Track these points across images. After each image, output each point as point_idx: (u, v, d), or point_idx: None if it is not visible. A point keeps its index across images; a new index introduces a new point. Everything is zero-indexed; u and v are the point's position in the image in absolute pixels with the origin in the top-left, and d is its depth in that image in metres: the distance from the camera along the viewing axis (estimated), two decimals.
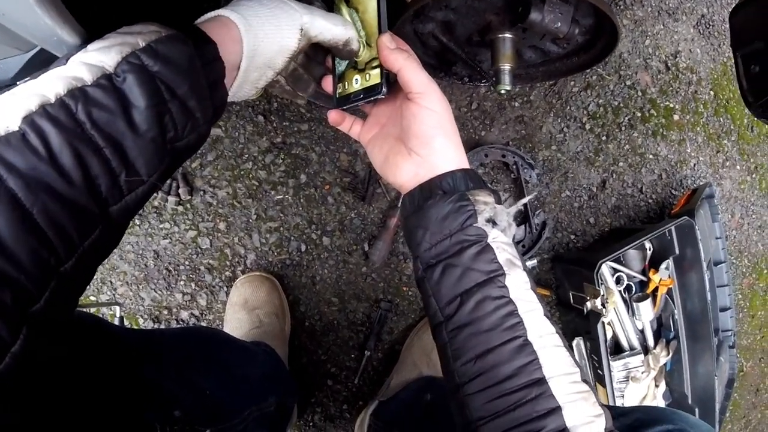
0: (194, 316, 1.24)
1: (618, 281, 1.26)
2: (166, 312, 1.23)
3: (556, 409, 0.49)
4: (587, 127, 1.37)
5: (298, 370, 1.26)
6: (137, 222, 1.19)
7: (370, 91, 0.62)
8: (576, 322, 1.30)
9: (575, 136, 1.37)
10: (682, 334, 1.30)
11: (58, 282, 0.40)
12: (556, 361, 0.52)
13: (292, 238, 1.25)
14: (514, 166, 1.30)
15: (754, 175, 1.55)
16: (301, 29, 0.57)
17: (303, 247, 1.25)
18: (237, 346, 1.01)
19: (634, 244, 1.18)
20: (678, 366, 1.33)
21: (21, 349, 0.37)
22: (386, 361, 1.30)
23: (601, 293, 1.16)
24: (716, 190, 1.45)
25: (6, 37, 0.46)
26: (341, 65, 0.66)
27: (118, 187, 0.43)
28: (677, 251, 1.24)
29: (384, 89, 0.61)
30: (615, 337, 1.31)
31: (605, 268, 1.23)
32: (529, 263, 1.33)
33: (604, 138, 1.39)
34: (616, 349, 1.33)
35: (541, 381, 0.50)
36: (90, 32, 0.48)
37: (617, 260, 1.25)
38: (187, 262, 1.22)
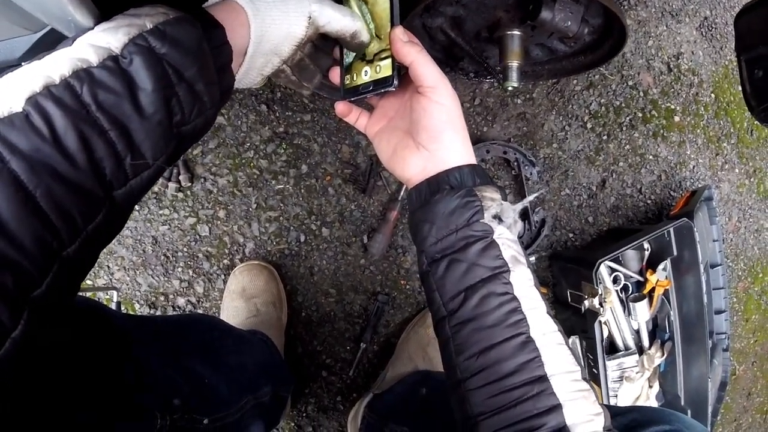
0: (191, 303, 1.23)
1: (615, 281, 1.26)
2: (162, 298, 1.22)
3: (557, 407, 0.50)
4: (588, 126, 1.38)
5: (294, 361, 1.26)
6: (137, 207, 1.19)
7: (380, 84, 0.62)
8: (572, 320, 1.30)
9: (576, 135, 1.37)
10: (677, 335, 1.31)
11: (61, 266, 0.39)
12: (558, 359, 0.52)
13: (292, 228, 1.24)
14: (516, 163, 1.30)
15: (752, 179, 1.56)
16: (309, 17, 0.56)
17: (302, 238, 1.25)
18: (234, 334, 1.01)
19: (632, 244, 1.18)
20: (672, 367, 1.34)
21: (22, 334, 0.36)
22: (382, 354, 1.30)
23: (599, 292, 1.16)
24: (715, 193, 1.46)
25: (16, 16, 0.45)
26: (349, 56, 0.66)
27: (123, 171, 0.42)
28: (675, 253, 1.25)
29: (395, 82, 0.61)
30: (610, 337, 1.32)
31: (603, 268, 1.23)
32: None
33: (605, 137, 1.39)
34: (611, 349, 1.33)
35: (543, 378, 0.51)
36: (103, 14, 0.47)
37: (615, 260, 1.26)
38: (185, 249, 1.21)
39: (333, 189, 1.25)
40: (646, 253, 1.29)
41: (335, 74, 0.67)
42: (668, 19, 1.42)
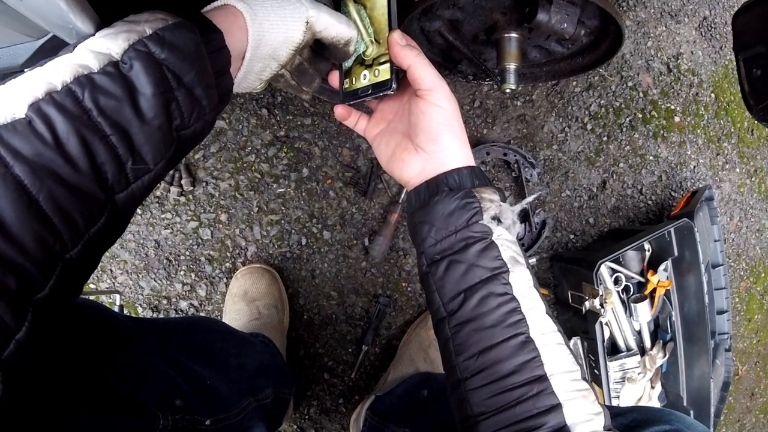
0: (193, 306, 1.24)
1: (616, 282, 1.26)
2: (165, 302, 1.23)
3: (557, 406, 0.50)
4: (588, 127, 1.38)
5: (295, 363, 1.27)
6: (139, 211, 1.19)
7: (378, 87, 0.63)
8: (573, 321, 1.30)
9: (576, 136, 1.37)
10: (679, 336, 1.31)
11: (64, 269, 0.40)
12: (558, 359, 0.52)
13: (293, 231, 1.25)
14: (516, 165, 1.30)
15: (753, 179, 1.56)
16: (307, 22, 0.57)
17: (303, 241, 1.25)
18: (236, 336, 1.01)
19: (633, 244, 1.18)
20: (674, 368, 1.34)
21: (25, 336, 0.37)
22: (383, 356, 1.30)
23: (600, 293, 1.16)
24: (715, 193, 1.46)
25: (19, 23, 0.46)
26: (348, 61, 0.66)
27: (124, 175, 0.43)
28: (676, 253, 1.25)
29: (393, 85, 0.61)
30: (612, 338, 1.32)
31: (604, 269, 1.24)
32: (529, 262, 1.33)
33: (605, 138, 1.39)
34: (613, 350, 1.33)
35: (543, 378, 0.51)
36: (103, 21, 0.48)
37: (616, 261, 1.26)
38: (187, 253, 1.22)
39: (334, 192, 1.26)
40: (647, 254, 1.29)
41: (334, 78, 0.67)
42: (667, 19, 1.43)
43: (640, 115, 1.41)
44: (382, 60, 0.62)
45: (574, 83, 1.36)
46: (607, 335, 1.29)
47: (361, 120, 0.69)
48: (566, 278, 1.32)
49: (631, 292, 1.29)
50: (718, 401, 1.39)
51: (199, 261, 1.23)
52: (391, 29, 0.61)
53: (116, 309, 1.10)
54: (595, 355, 1.22)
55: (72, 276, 0.41)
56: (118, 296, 1.12)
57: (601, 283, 1.22)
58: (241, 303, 1.18)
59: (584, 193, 1.39)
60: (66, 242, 0.39)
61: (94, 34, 0.44)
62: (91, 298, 1.14)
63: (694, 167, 1.48)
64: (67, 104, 0.39)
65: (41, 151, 0.37)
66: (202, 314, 1.24)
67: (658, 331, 1.34)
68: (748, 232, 1.57)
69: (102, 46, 0.42)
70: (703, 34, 1.46)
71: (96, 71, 0.41)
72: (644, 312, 1.28)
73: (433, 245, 0.57)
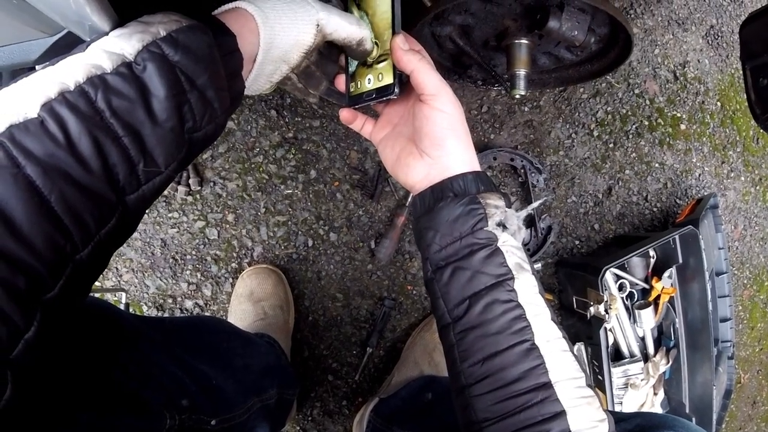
0: (198, 305, 1.24)
1: (621, 288, 1.27)
2: (170, 300, 1.23)
3: (561, 413, 0.50)
4: (595, 133, 1.39)
5: (300, 364, 1.27)
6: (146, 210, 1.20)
7: (382, 92, 0.63)
8: (578, 327, 1.31)
9: (583, 143, 1.38)
10: (683, 342, 1.31)
11: (74, 270, 0.40)
12: (562, 366, 0.52)
13: (300, 232, 1.25)
14: (522, 170, 1.31)
15: (758, 187, 1.56)
16: (317, 25, 0.57)
17: (310, 242, 1.26)
18: (241, 336, 1.02)
19: (638, 251, 1.19)
20: (677, 374, 1.34)
21: (34, 336, 0.37)
22: (387, 359, 1.31)
23: (605, 299, 1.17)
24: (720, 201, 1.46)
25: (33, 19, 0.45)
26: (353, 64, 0.66)
27: (135, 176, 0.43)
28: (680, 260, 1.25)
29: (396, 90, 0.61)
30: (615, 344, 1.32)
31: (609, 275, 1.24)
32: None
33: (611, 145, 1.40)
34: (617, 356, 1.34)
35: (547, 385, 0.51)
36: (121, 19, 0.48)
37: (621, 267, 1.26)
38: (194, 252, 1.22)
39: (341, 194, 1.26)
40: (652, 261, 1.30)
41: (341, 82, 0.67)
42: (674, 27, 1.43)
43: (647, 123, 1.42)
44: (385, 63, 0.62)
45: (581, 90, 1.37)
46: (611, 341, 1.29)
47: (366, 124, 0.69)
48: (571, 284, 1.32)
49: (636, 299, 1.30)
50: (720, 409, 1.39)
51: (206, 261, 1.23)
52: (394, 33, 0.61)
53: (122, 307, 1.10)
54: (599, 361, 1.22)
55: (81, 276, 0.41)
56: (124, 294, 1.12)
57: (605, 289, 1.22)
58: (246, 303, 1.19)
59: (590, 199, 1.40)
60: (77, 243, 0.39)
61: (108, 33, 0.44)
62: (97, 295, 1.14)
63: (699, 175, 1.48)
64: (80, 105, 0.39)
65: (53, 151, 0.37)
66: (207, 314, 1.25)
67: (661, 337, 1.35)
68: (752, 240, 1.57)
69: (116, 46, 0.42)
70: (710, 42, 1.47)
71: (109, 72, 0.41)
72: (648, 318, 1.28)
73: (438, 251, 0.56)
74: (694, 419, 1.32)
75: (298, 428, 1.29)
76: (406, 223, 1.26)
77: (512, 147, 1.33)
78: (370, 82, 0.64)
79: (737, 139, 1.52)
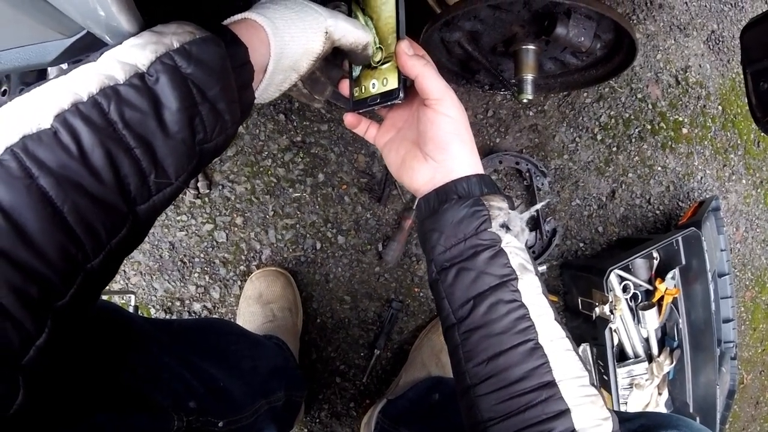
0: (207, 308, 1.25)
1: (625, 289, 1.28)
2: (178, 303, 1.24)
3: (566, 412, 0.50)
4: (598, 137, 1.40)
5: (308, 366, 1.28)
6: None
7: (387, 96, 0.63)
8: (583, 327, 1.32)
9: (587, 146, 1.40)
10: (686, 343, 1.32)
11: (85, 278, 0.40)
12: (566, 365, 0.53)
13: (308, 235, 1.26)
14: (527, 174, 1.32)
15: (759, 190, 1.58)
16: (326, 32, 0.57)
17: (318, 245, 1.27)
18: (249, 338, 1.02)
19: (642, 252, 1.20)
20: (681, 375, 1.35)
21: (45, 342, 0.37)
22: (395, 361, 1.32)
23: (609, 300, 1.18)
24: (722, 203, 1.48)
25: (52, 20, 0.45)
26: (357, 69, 0.67)
27: (146, 187, 0.43)
28: (683, 261, 1.27)
29: (401, 94, 0.62)
30: (620, 345, 1.34)
31: (613, 276, 1.25)
32: (539, 269, 1.35)
33: (614, 149, 1.42)
34: (621, 357, 1.35)
35: (552, 384, 0.51)
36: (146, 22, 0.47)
37: (625, 268, 1.27)
38: (202, 255, 1.23)
39: (349, 197, 1.28)
40: (655, 262, 1.31)
41: (345, 87, 0.68)
42: (676, 32, 1.45)
43: (649, 127, 1.44)
44: (389, 68, 0.63)
45: (585, 94, 1.38)
46: (615, 342, 1.30)
47: (371, 128, 0.70)
48: (576, 285, 1.33)
49: (640, 300, 1.31)
50: (723, 409, 1.40)
51: (214, 263, 1.24)
52: (398, 39, 0.61)
53: (131, 309, 1.11)
54: (604, 361, 1.23)
55: (92, 284, 0.42)
56: (132, 297, 1.12)
57: (610, 290, 1.24)
58: (255, 305, 1.19)
59: (594, 202, 1.41)
60: (88, 252, 0.40)
61: (131, 36, 0.44)
62: (105, 298, 1.15)
63: (701, 178, 1.50)
64: (93, 116, 0.39)
65: (66, 162, 0.37)
66: (215, 316, 1.25)
67: (665, 338, 1.36)
68: (753, 242, 1.59)
69: (129, 57, 0.42)
70: (711, 47, 1.49)
71: (122, 83, 0.41)
72: (652, 319, 1.29)
73: (443, 252, 0.57)
74: (698, 419, 1.34)
75: (306, 430, 1.30)
76: (413, 225, 1.27)
77: (517, 151, 1.35)
78: (374, 86, 0.65)
79: (738, 142, 1.53)
